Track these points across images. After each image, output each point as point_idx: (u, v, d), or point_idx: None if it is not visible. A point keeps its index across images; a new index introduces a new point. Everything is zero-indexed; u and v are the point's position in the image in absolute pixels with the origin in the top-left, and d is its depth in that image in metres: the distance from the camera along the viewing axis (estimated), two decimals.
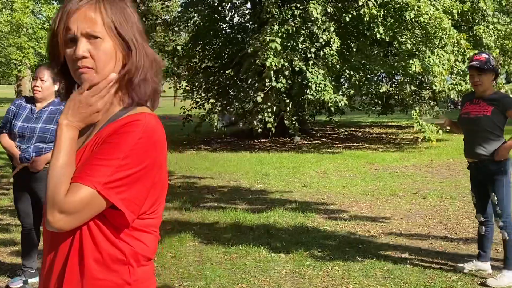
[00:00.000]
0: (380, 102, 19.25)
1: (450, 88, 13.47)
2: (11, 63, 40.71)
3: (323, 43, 13.55)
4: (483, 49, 13.25)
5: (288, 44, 13.96)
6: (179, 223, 7.05)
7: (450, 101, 19.14)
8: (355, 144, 15.97)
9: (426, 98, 17.11)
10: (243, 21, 18.29)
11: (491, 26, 13.23)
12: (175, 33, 17.65)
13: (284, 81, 14.20)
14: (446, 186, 9.27)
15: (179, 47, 16.74)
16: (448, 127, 5.53)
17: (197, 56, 17.32)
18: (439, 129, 15.96)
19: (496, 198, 4.82)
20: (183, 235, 6.38)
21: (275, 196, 8.91)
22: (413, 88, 16.05)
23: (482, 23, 13.54)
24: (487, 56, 4.95)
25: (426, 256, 5.63)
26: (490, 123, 4.85)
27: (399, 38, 13.10)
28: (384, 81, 18.11)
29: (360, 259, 5.51)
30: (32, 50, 39.70)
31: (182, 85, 16.64)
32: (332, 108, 15.04)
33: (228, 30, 17.81)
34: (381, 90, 16.64)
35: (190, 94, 16.45)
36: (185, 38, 19.40)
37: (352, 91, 15.49)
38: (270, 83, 14.10)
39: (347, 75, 15.19)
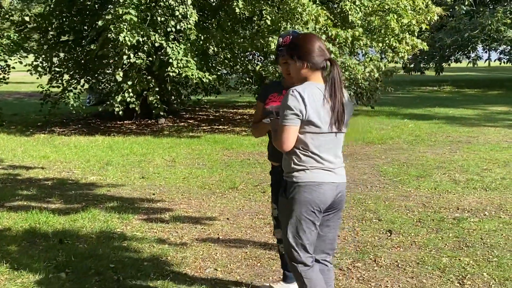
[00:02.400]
0: (257, 81, 18.36)
1: None
2: None
3: (180, 16, 12.42)
4: (349, 29, 12.59)
5: (147, 18, 12.74)
6: None
7: None
8: (220, 127, 15.04)
9: None
10: None
11: (357, 2, 12.60)
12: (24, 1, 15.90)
13: (144, 57, 13.01)
14: None
15: (27, 18, 15.04)
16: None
17: (52, 28, 15.67)
18: None
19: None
20: None
21: (102, 191, 7.81)
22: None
23: None
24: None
25: (231, 273, 4.77)
26: None
27: (260, 12, 12.24)
28: (259, 59, 17.19)
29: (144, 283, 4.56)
30: None
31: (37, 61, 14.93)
32: (200, 86, 13.95)
33: (88, 2, 16.24)
34: (257, 69, 15.72)
35: (42, 71, 14.83)
36: (36, 7, 17.59)
37: (221, 68, 14.51)
38: (128, 60, 12.84)
39: (213, 52, 14.18)
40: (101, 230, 5.97)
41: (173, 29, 12.72)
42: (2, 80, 14.38)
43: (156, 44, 12.90)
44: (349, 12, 12.62)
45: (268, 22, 11.86)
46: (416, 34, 14.41)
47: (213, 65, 15.14)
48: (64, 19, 15.95)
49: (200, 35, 12.99)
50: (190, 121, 16.08)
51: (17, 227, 6.08)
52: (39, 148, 11.39)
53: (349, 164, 9.57)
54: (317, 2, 12.73)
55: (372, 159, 10.07)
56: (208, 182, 8.29)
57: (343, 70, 13.28)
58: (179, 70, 12.43)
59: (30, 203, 7.12)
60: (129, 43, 12.15)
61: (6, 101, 21.94)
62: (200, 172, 9.01)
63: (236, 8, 11.92)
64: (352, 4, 12.85)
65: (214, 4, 15.05)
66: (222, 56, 14.85)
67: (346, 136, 3.54)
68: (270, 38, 11.41)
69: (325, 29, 11.90)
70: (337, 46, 12.53)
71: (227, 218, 6.42)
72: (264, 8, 12.07)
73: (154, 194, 7.61)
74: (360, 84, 17.02)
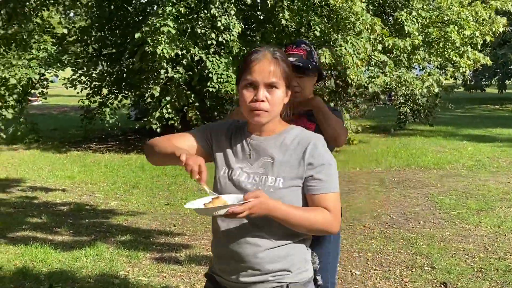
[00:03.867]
0: None
1: (368, 82, 11.67)
2: None
3: (222, 27, 11.57)
4: (407, 38, 11.44)
5: (186, 30, 11.94)
6: None
7: (387, 96, 17.38)
8: None
9: (351, 94, 15.32)
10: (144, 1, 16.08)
11: (414, 13, 11.46)
12: (62, 13, 15.39)
13: (182, 71, 12.23)
14: None
15: (65, 30, 14.51)
16: None
17: (91, 41, 15.11)
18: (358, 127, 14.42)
19: (317, 259, 3.00)
20: None
21: (118, 220, 6.92)
22: (334, 83, 14.14)
23: (405, 9, 11.79)
24: (308, 48, 3.10)
25: None
26: None
27: (308, 24, 11.24)
28: None
29: None
30: None
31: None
32: None
33: (130, 13, 15.61)
34: None
35: (83, 85, 14.28)
36: (79, 21, 17.10)
37: None
38: (166, 74, 12.08)
39: None
40: (102, 273, 5.05)
41: (214, 42, 11.90)
42: (41, 95, 13.90)
43: (196, 58, 12.11)
44: (405, 23, 11.49)
45: (317, 34, 10.83)
46: (478, 47, 13.12)
47: None
48: (105, 32, 15.39)
49: (243, 48, 12.08)
50: None
51: (9, 265, 5.23)
52: (67, 167, 10.67)
53: (399, 193, 8.44)
54: (370, 12, 11.67)
55: (426, 187, 8.87)
56: None
57: (399, 85, 12.14)
58: (219, 85, 11.59)
59: (36, 234, 6.30)
60: (167, 56, 11.40)
61: (50, 115, 21.63)
62: None
63: (282, 19, 10.96)
64: (408, 15, 11.74)
65: (260, 16, 14.15)
66: None
67: None
68: (320, 51, 10.38)
69: (380, 38, 10.79)
70: (393, 58, 11.42)
71: None
72: (312, 18, 11.05)
73: (174, 226, 6.68)
74: (417, 101, 15.82)
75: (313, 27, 11.04)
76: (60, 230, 6.47)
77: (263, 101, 2.05)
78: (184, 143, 2.16)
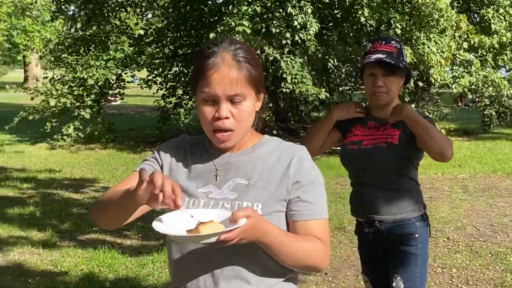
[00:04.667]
0: None
1: (452, 82, 11.04)
2: (17, 46, 39.49)
3: (298, 27, 11.25)
4: (493, 36, 10.74)
5: (261, 29, 11.71)
6: None
7: (472, 98, 16.46)
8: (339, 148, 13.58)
9: (433, 95, 14.63)
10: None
11: (501, 10, 10.73)
12: (139, 15, 15.50)
13: None
14: None
15: (141, 31, 14.61)
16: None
17: (167, 42, 15.16)
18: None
19: (402, 284, 2.70)
20: None
21: None
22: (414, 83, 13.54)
23: (492, 7, 11.07)
24: (398, 46, 2.75)
25: None
26: (398, 158, 2.67)
27: (388, 21, 10.75)
28: None
29: None
30: (37, 33, 38.52)
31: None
32: (316, 102, 12.69)
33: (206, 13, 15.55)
34: None
35: (158, 85, 14.37)
36: (150, 20, 17.18)
37: (341, 84, 13.13)
38: None
39: (332, 66, 12.84)
40: (168, 282, 4.85)
41: (289, 41, 11.61)
42: (118, 95, 14.10)
43: (270, 58, 11.86)
44: (492, 21, 10.80)
45: (398, 32, 10.33)
46: None
47: (334, 81, 13.82)
48: (181, 33, 15.42)
49: (319, 47, 11.73)
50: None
51: (76, 271, 5.12)
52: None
53: (485, 202, 7.84)
54: (454, 9, 11.06)
55: None
56: None
57: (485, 86, 11.44)
58: (293, 86, 11.29)
59: (105, 236, 6.20)
60: None
61: (127, 115, 21.99)
62: None
63: (362, 17, 10.53)
64: (495, 12, 11.03)
65: (337, 15, 13.75)
66: (343, 71, 13.48)
67: None
68: None
69: (466, 36, 10.17)
70: (478, 58, 10.76)
71: (325, 273, 5.04)
72: (393, 15, 10.55)
73: None
74: (503, 102, 14.96)
75: (393, 24, 10.55)
76: (129, 234, 6.34)
77: (227, 117, 1.62)
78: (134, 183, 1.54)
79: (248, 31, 11.19)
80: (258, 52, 11.63)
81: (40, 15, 38.74)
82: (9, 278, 4.94)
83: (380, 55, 2.66)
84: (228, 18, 11.48)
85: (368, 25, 11.18)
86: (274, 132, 12.59)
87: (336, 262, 5.34)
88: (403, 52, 2.75)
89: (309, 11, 11.27)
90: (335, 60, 12.63)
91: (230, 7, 14.26)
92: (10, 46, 38.92)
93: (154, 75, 14.23)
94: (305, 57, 11.61)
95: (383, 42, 2.72)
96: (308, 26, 11.21)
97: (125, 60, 13.34)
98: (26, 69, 41.11)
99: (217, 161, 1.71)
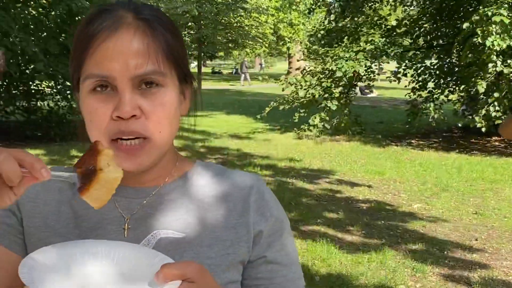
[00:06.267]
0: None
1: None
2: (283, 39, 41.87)
3: None
4: None
5: None
6: None
7: None
8: None
9: None
10: None
11: None
12: (393, 5, 14.97)
13: None
14: None
15: (394, 22, 14.15)
16: None
17: (421, 33, 14.50)
18: None
19: None
20: None
21: (416, 225, 6.34)
22: None
23: None
24: None
25: None
26: None
27: None
28: None
29: None
30: (302, 26, 40.35)
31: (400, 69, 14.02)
32: None
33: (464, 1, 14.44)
34: None
35: (409, 79, 13.87)
36: (407, 10, 16.45)
37: None
38: (494, 69, 10.94)
39: None
40: (381, 284, 4.62)
41: None
42: (368, 88, 14.04)
43: None
44: None
45: None
46: None
47: None
48: (437, 23, 14.67)
49: None
50: None
51: None
52: (381, 163, 10.38)
53: None
54: None
55: None
56: None
57: None
58: None
59: (327, 230, 6.17)
60: (497, 48, 10.28)
61: (380, 108, 21.76)
62: None
63: None
64: None
65: None
66: None
67: None
68: None
69: None
70: None
71: None
72: None
73: (476, 240, 5.83)
74: None
75: None
76: (353, 229, 6.21)
77: (134, 115, 0.94)
78: None
79: (507, 21, 10.19)
80: None
81: (306, 9, 40.51)
82: None
83: None
84: (483, 6, 10.57)
85: None
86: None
87: None
88: None
89: None
90: None
91: None
92: (276, 39, 41.39)
93: (404, 67, 13.78)
94: None
95: None
96: None
97: (374, 52, 13.17)
98: (290, 61, 43.38)
99: (123, 204, 1.04)
